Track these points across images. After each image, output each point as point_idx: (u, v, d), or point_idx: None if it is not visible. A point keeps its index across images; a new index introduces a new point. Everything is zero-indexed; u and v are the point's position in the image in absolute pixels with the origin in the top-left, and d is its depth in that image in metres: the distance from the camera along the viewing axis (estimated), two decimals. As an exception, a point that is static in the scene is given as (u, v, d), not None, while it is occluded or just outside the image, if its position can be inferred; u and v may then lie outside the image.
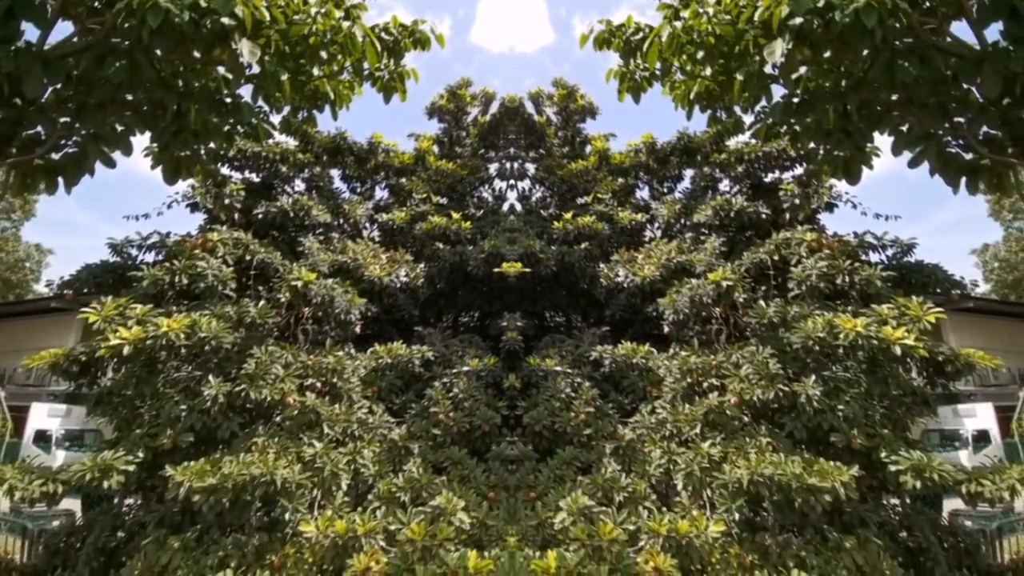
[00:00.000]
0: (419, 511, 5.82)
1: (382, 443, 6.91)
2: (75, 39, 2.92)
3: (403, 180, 11.15)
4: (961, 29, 2.81)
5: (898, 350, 6.10)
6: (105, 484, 5.51)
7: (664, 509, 6.10)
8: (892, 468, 5.98)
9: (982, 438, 15.16)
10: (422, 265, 9.46)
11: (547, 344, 8.87)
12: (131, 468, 5.68)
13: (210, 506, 5.38)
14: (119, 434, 6.51)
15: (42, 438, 15.49)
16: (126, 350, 5.86)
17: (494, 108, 11.70)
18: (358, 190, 11.11)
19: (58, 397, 16.76)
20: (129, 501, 7.07)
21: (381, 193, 11.46)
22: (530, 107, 11.82)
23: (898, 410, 6.90)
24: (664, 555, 5.31)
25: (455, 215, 9.90)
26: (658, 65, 4.08)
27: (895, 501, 7.03)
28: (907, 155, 3.15)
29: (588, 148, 11.70)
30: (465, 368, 7.88)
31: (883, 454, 6.15)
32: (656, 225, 10.60)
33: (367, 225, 10.52)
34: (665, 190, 11.42)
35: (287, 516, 5.78)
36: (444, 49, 4.31)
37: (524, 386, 8.01)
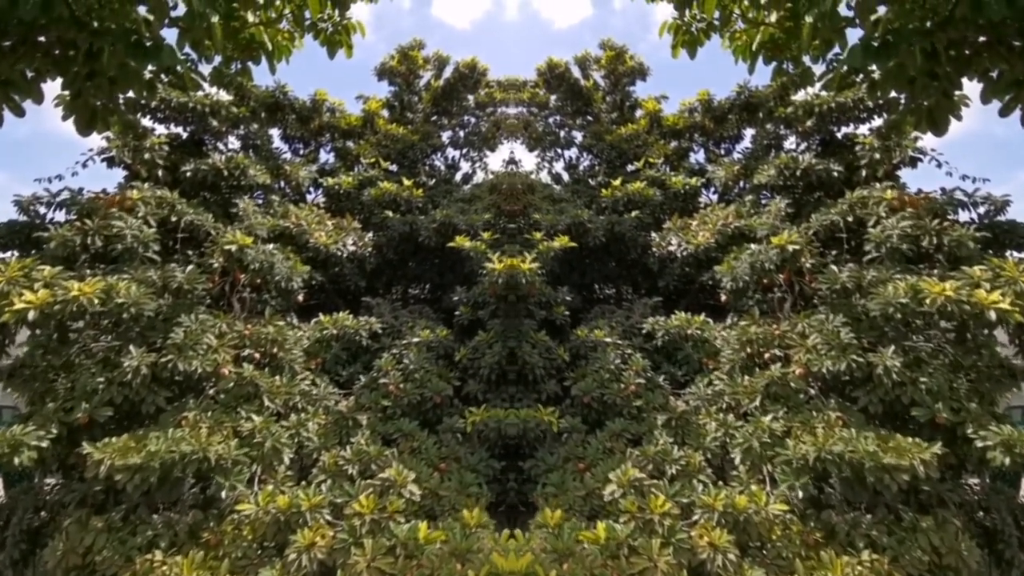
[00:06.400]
0: (368, 484, 5.69)
1: (327, 415, 6.68)
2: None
3: (350, 144, 10.59)
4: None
5: (992, 315, 5.48)
6: (16, 461, 5.05)
7: (720, 484, 5.77)
8: (979, 444, 5.54)
9: (1066, 414, 15.23)
10: (370, 234, 9.10)
11: (596, 315, 8.43)
12: (44, 444, 5.22)
13: (135, 485, 5.03)
14: (32, 408, 5.96)
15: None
16: (31, 315, 5.29)
17: (447, 73, 11.22)
18: (301, 152, 10.46)
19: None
20: (51, 481, 6.59)
21: (326, 156, 10.83)
22: (576, 72, 10.96)
23: (985, 383, 6.37)
24: (720, 530, 5.04)
25: (406, 182, 9.54)
26: (716, 14, 3.67)
27: (974, 481, 6.70)
28: (990, 111, 2.97)
29: (639, 113, 10.84)
30: (416, 339, 7.71)
31: (969, 429, 5.66)
32: (712, 190, 9.81)
33: (311, 190, 9.97)
34: (722, 152, 10.39)
35: (223, 494, 5.51)
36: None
37: (573, 358, 7.70)
